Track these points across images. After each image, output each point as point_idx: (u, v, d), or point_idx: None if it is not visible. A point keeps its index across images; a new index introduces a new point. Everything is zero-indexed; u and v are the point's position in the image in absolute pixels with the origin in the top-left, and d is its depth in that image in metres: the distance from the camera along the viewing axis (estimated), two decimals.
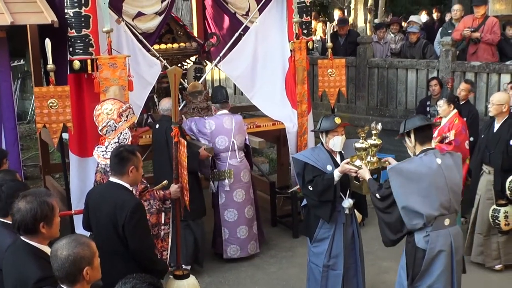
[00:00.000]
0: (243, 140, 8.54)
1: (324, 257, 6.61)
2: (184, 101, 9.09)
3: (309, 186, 6.44)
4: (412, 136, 5.51)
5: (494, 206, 7.69)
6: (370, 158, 6.13)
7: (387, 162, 5.98)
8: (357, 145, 6.16)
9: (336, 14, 15.02)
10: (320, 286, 6.68)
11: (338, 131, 6.49)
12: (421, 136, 5.49)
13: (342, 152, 6.64)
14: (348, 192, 6.60)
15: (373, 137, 6.34)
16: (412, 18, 14.34)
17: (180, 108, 8.87)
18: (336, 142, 6.48)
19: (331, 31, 13.65)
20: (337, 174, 6.23)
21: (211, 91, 10.50)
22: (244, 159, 8.50)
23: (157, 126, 7.84)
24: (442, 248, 5.34)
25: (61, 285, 3.58)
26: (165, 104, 7.80)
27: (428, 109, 10.54)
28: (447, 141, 8.06)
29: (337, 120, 6.47)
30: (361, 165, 6.00)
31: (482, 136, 8.25)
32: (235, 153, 8.33)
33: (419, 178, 5.32)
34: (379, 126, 6.24)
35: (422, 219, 5.30)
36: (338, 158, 6.58)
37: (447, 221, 5.38)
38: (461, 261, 5.60)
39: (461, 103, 9.37)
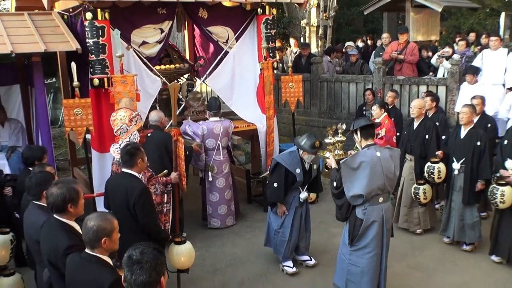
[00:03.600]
0: (227, 141, 8.54)
1: (277, 224, 6.91)
2: (183, 105, 9.14)
3: (274, 184, 6.65)
4: (358, 133, 5.57)
5: (415, 185, 7.78)
6: (337, 151, 6.23)
7: (350, 154, 6.06)
8: (326, 140, 6.32)
9: (292, 41, 15.05)
10: (272, 242, 7.05)
11: (314, 153, 6.64)
12: (364, 133, 5.54)
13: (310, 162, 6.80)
14: (305, 187, 6.82)
15: (339, 135, 6.46)
16: (348, 43, 14.53)
17: (178, 113, 8.89)
18: (309, 158, 6.63)
19: (296, 53, 13.77)
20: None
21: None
22: (226, 155, 8.52)
23: (149, 134, 7.70)
24: (375, 219, 5.44)
25: (86, 250, 3.63)
26: (154, 116, 7.67)
27: (364, 112, 10.61)
28: (379, 136, 8.11)
29: (317, 143, 6.46)
30: (329, 157, 6.15)
31: (405, 132, 8.31)
32: (220, 151, 8.34)
33: (363, 166, 5.38)
34: (344, 126, 6.33)
35: (362, 198, 5.40)
36: (306, 165, 6.71)
37: (381, 199, 5.46)
38: (390, 229, 5.67)
39: (389, 107, 9.45)
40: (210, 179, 8.35)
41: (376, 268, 5.54)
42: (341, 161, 5.67)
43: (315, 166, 6.85)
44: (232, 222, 8.60)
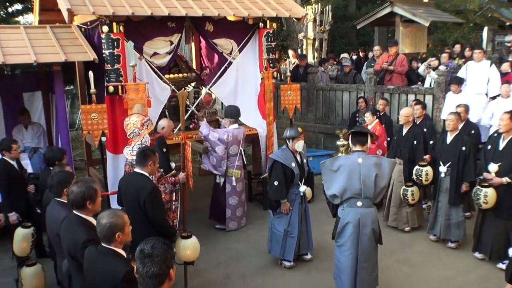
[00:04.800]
0: (243, 147, 8.48)
1: (284, 224, 6.78)
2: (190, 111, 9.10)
3: (275, 182, 6.60)
4: (350, 138, 5.59)
5: (404, 187, 7.79)
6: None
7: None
8: (338, 143, 6.30)
9: (290, 53, 15.08)
10: (280, 245, 6.84)
11: (300, 137, 6.68)
12: (353, 140, 5.54)
13: (302, 152, 6.80)
14: (303, 180, 6.79)
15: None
16: (343, 55, 14.55)
17: (185, 118, 8.89)
18: (299, 145, 6.68)
19: (294, 64, 13.79)
20: None
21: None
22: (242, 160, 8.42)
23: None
24: (350, 220, 5.40)
25: (102, 244, 3.64)
26: (159, 123, 7.52)
27: (357, 119, 10.63)
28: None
29: (299, 129, 6.72)
30: None
31: (395, 138, 8.34)
32: (241, 157, 8.28)
33: (341, 169, 5.40)
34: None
35: (338, 198, 5.43)
36: (298, 157, 6.76)
37: (359, 203, 5.38)
38: (370, 234, 5.44)
39: (380, 114, 9.47)
40: (234, 183, 8.20)
41: (352, 267, 5.50)
42: (320, 162, 5.69)
43: (305, 160, 6.90)
44: (244, 223, 8.52)
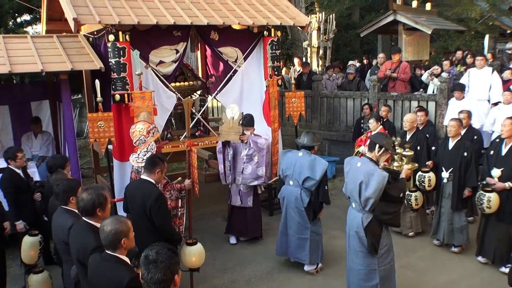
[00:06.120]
0: None
1: (321, 226, 6.95)
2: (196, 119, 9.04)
3: (325, 187, 6.65)
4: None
5: (408, 192, 7.68)
6: (395, 163, 7.00)
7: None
8: (405, 153, 6.93)
9: (296, 61, 15.07)
10: (319, 248, 6.88)
11: None
12: (368, 146, 5.66)
13: None
14: None
15: (406, 149, 7.05)
16: (350, 62, 14.51)
17: (191, 126, 8.86)
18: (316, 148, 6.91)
19: (298, 72, 13.76)
20: None
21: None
22: None
23: None
24: (347, 219, 5.68)
25: (107, 251, 3.61)
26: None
27: (362, 125, 10.60)
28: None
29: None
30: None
31: None
32: None
33: (349, 169, 5.59)
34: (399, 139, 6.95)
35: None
36: None
37: (353, 205, 5.53)
38: (356, 238, 5.47)
39: (383, 121, 9.44)
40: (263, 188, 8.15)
41: (347, 265, 5.70)
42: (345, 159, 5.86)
43: None
44: None
